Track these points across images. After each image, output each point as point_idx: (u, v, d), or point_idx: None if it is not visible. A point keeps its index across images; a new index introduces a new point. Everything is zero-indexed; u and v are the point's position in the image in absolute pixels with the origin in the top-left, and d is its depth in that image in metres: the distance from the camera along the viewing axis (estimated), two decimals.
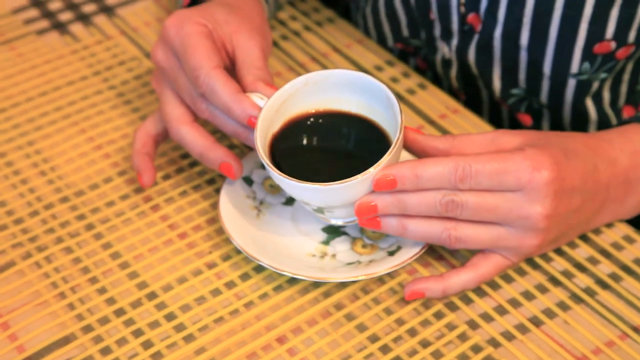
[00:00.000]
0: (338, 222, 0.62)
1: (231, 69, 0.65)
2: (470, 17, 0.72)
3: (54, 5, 0.84)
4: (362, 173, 0.56)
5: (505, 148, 0.59)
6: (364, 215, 0.57)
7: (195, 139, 0.63)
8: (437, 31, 0.76)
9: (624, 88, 0.74)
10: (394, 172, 0.56)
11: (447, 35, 0.75)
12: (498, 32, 0.71)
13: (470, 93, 0.79)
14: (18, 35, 0.81)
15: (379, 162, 0.56)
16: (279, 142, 0.61)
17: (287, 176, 0.57)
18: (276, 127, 0.61)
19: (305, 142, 0.62)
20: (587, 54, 0.69)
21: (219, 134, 0.72)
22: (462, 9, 0.72)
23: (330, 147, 0.63)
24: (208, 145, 0.63)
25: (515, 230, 0.58)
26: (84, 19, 0.83)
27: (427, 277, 0.59)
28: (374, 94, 0.60)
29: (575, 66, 0.70)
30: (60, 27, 0.82)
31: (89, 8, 0.84)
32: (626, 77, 0.73)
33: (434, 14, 0.74)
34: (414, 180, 0.56)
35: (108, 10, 0.84)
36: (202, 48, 0.62)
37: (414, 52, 0.81)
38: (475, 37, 0.73)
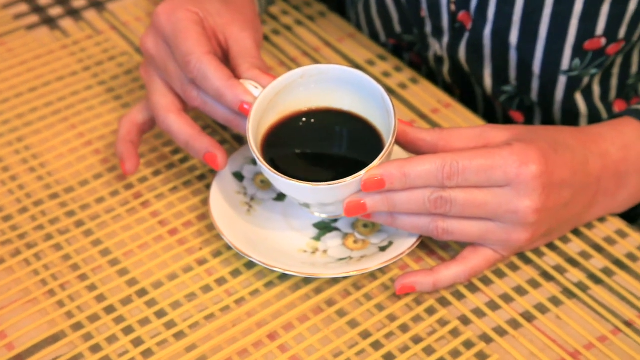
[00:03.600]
0: (322, 215, 0.61)
1: (223, 59, 0.64)
2: (461, 15, 0.71)
3: (43, 0, 0.83)
4: (351, 176, 0.55)
5: (492, 142, 0.58)
6: (353, 214, 0.57)
7: (181, 127, 0.62)
8: (429, 28, 0.75)
9: (614, 82, 0.73)
10: (382, 172, 0.55)
11: (438, 32, 0.74)
12: (488, 31, 0.70)
13: (465, 89, 0.79)
14: (7, 31, 0.80)
15: (369, 166, 0.55)
16: (272, 138, 0.60)
17: (275, 171, 0.56)
18: (269, 119, 0.61)
19: (298, 139, 0.61)
20: (578, 51, 0.68)
21: (208, 130, 0.71)
22: (453, 7, 0.71)
23: (322, 144, 0.62)
24: (194, 135, 0.62)
25: (505, 224, 0.57)
26: (74, 13, 0.82)
27: (417, 271, 0.59)
28: (369, 92, 0.60)
29: (565, 63, 0.69)
30: (50, 22, 0.81)
31: (79, 3, 0.83)
32: (616, 70, 0.72)
33: (424, 12, 0.73)
34: (401, 179, 0.55)
35: (98, 5, 0.83)
36: (193, 34, 0.61)
37: (407, 47, 0.81)
38: (466, 35, 0.72)
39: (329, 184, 0.56)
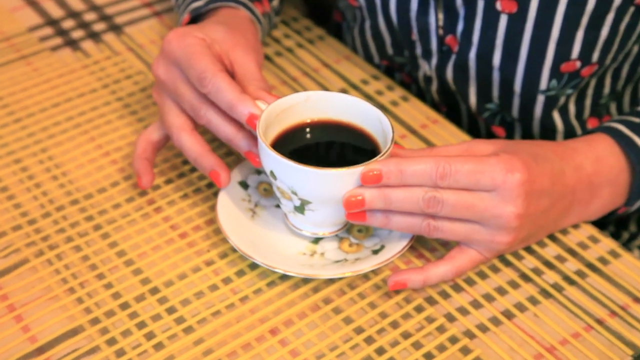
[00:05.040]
0: (309, 230, 0.61)
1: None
2: (448, 38, 0.72)
3: (67, 24, 0.84)
4: (354, 165, 0.55)
5: (479, 155, 0.58)
6: (352, 208, 0.56)
7: (192, 145, 0.63)
8: (419, 51, 0.75)
9: (588, 102, 0.74)
10: (380, 166, 0.55)
11: (427, 54, 0.75)
12: (473, 53, 0.71)
13: (451, 106, 0.79)
14: (34, 52, 0.81)
15: (369, 162, 0.56)
16: (277, 145, 0.60)
17: (285, 157, 0.56)
18: (274, 132, 0.61)
19: (301, 145, 0.61)
20: (555, 73, 0.68)
21: (218, 142, 0.71)
22: (441, 31, 0.72)
23: (324, 149, 0.62)
24: (203, 153, 0.62)
25: (490, 227, 0.58)
26: (95, 36, 0.82)
27: (408, 269, 0.59)
28: (367, 117, 0.60)
29: (543, 83, 0.69)
30: (72, 44, 0.82)
31: (99, 26, 0.83)
32: (590, 92, 0.73)
33: (415, 35, 0.74)
34: (398, 175, 0.55)
35: (116, 29, 0.83)
36: (206, 55, 0.61)
37: (399, 68, 0.81)
38: (453, 57, 0.73)
39: (333, 170, 0.55)
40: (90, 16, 0.84)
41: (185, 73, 0.62)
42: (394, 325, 0.58)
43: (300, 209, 0.59)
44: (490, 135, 0.78)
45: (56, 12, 0.85)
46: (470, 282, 0.61)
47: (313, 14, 1.00)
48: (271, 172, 0.58)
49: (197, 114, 0.62)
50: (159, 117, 0.66)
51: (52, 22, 0.84)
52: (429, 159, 0.55)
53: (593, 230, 0.64)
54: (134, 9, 0.85)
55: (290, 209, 0.60)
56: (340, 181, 0.56)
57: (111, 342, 0.57)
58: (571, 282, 0.61)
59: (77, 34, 0.83)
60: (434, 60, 0.75)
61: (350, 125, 0.62)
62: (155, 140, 0.66)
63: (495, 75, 0.71)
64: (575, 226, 0.64)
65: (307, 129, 0.62)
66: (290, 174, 0.56)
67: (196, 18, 0.71)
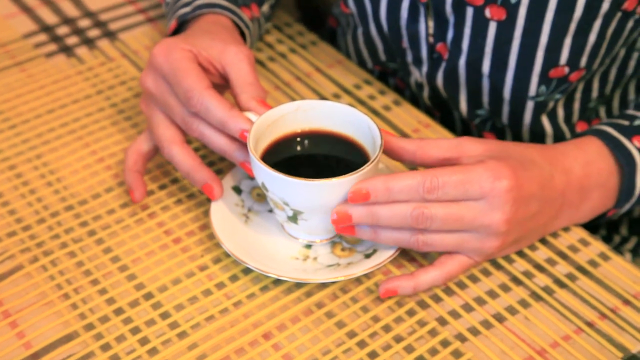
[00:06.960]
0: (304, 238, 0.61)
1: (223, 85, 0.65)
2: (439, 46, 0.72)
3: (61, 31, 0.84)
4: (343, 176, 0.55)
5: (467, 154, 0.58)
6: (340, 224, 0.57)
7: (184, 158, 0.62)
8: (410, 58, 0.75)
9: (576, 105, 0.74)
10: (367, 185, 0.56)
11: (418, 62, 0.75)
12: (462, 61, 0.71)
13: (443, 112, 0.79)
14: (28, 58, 0.80)
15: (358, 170, 0.56)
16: (268, 155, 0.60)
17: (275, 170, 0.56)
18: (265, 142, 0.61)
19: (291, 154, 0.62)
20: (543, 78, 0.69)
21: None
22: (431, 39, 0.72)
23: (314, 159, 0.62)
24: (195, 166, 0.62)
25: (479, 234, 0.58)
26: (89, 42, 0.82)
27: (399, 276, 0.59)
28: (357, 124, 0.60)
29: (532, 89, 0.70)
30: (67, 50, 0.81)
31: (93, 33, 0.83)
32: (578, 95, 0.73)
33: (405, 43, 0.74)
34: (385, 192, 0.56)
35: (111, 35, 0.83)
36: (191, 72, 0.61)
37: (392, 73, 0.81)
38: (443, 65, 0.73)
39: (322, 180, 0.55)
40: (84, 22, 0.84)
41: (173, 89, 0.62)
42: (386, 329, 0.58)
43: (293, 218, 0.59)
44: None
45: (51, 18, 0.85)
46: (461, 285, 0.61)
47: (306, 20, 1.00)
48: (263, 184, 0.58)
49: (190, 127, 0.62)
50: (147, 128, 0.66)
51: (46, 28, 0.84)
52: (415, 174, 0.56)
53: (583, 233, 0.64)
54: (128, 15, 0.85)
55: (284, 218, 0.60)
56: (329, 191, 0.56)
57: (105, 347, 0.57)
58: (562, 285, 0.61)
59: (72, 40, 0.82)
60: (425, 68, 0.75)
61: (340, 133, 0.62)
62: (145, 151, 0.66)
63: (485, 82, 0.71)
64: (566, 229, 0.65)
65: (298, 139, 0.62)
66: (280, 186, 0.57)
67: (183, 23, 0.71)
